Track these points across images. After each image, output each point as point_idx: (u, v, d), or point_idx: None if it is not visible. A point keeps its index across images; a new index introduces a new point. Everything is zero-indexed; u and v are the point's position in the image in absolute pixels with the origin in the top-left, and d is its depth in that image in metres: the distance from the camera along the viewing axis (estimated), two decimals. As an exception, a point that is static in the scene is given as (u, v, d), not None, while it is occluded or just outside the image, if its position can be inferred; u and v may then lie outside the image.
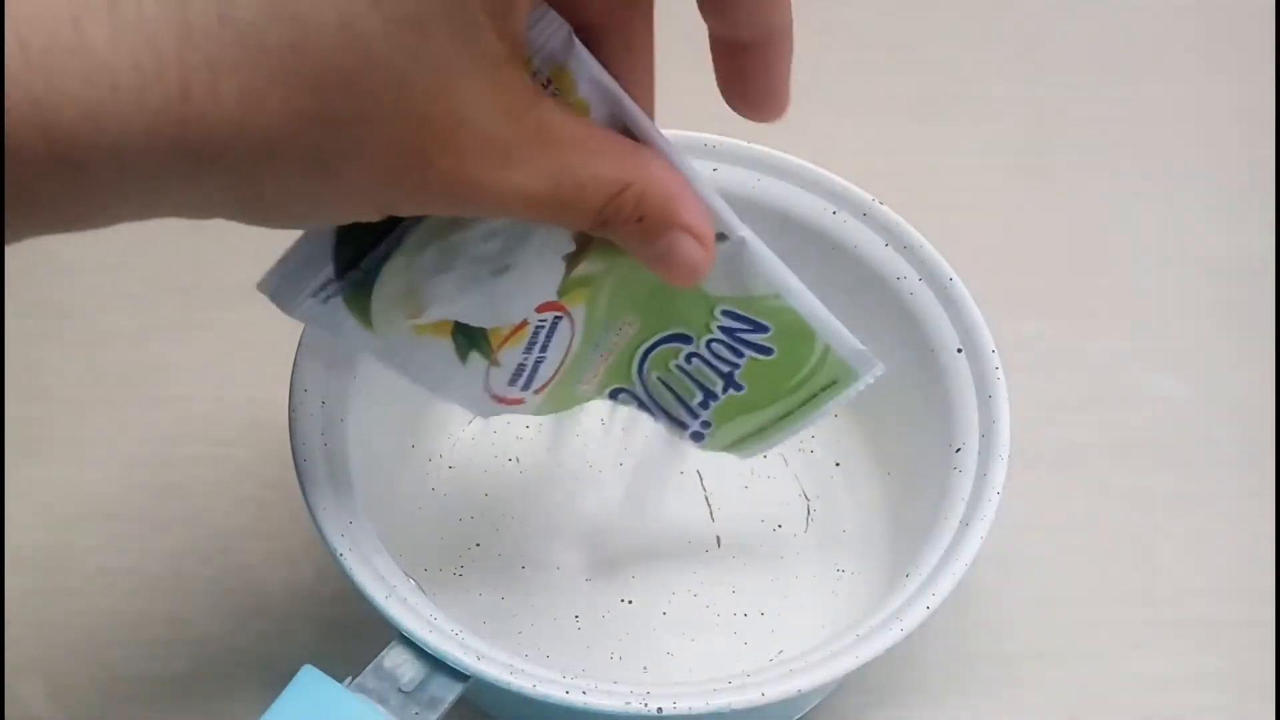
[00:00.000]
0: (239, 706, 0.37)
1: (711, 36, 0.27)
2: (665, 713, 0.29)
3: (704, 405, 0.34)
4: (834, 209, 0.38)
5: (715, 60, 0.27)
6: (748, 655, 0.37)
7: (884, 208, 0.38)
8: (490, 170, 0.23)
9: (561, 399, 0.34)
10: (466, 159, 0.23)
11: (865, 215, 0.38)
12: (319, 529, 0.31)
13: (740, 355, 0.33)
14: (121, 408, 0.43)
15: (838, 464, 0.41)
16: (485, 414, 0.32)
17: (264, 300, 0.42)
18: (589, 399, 0.35)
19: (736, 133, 0.37)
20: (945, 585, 0.32)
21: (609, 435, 0.37)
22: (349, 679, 0.30)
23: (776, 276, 0.31)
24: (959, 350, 0.36)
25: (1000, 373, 0.35)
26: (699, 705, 0.29)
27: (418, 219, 0.27)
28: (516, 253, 0.28)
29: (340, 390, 0.35)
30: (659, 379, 0.34)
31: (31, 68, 0.20)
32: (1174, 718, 0.39)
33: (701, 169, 0.35)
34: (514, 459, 0.41)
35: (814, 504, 0.41)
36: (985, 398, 0.35)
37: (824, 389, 0.33)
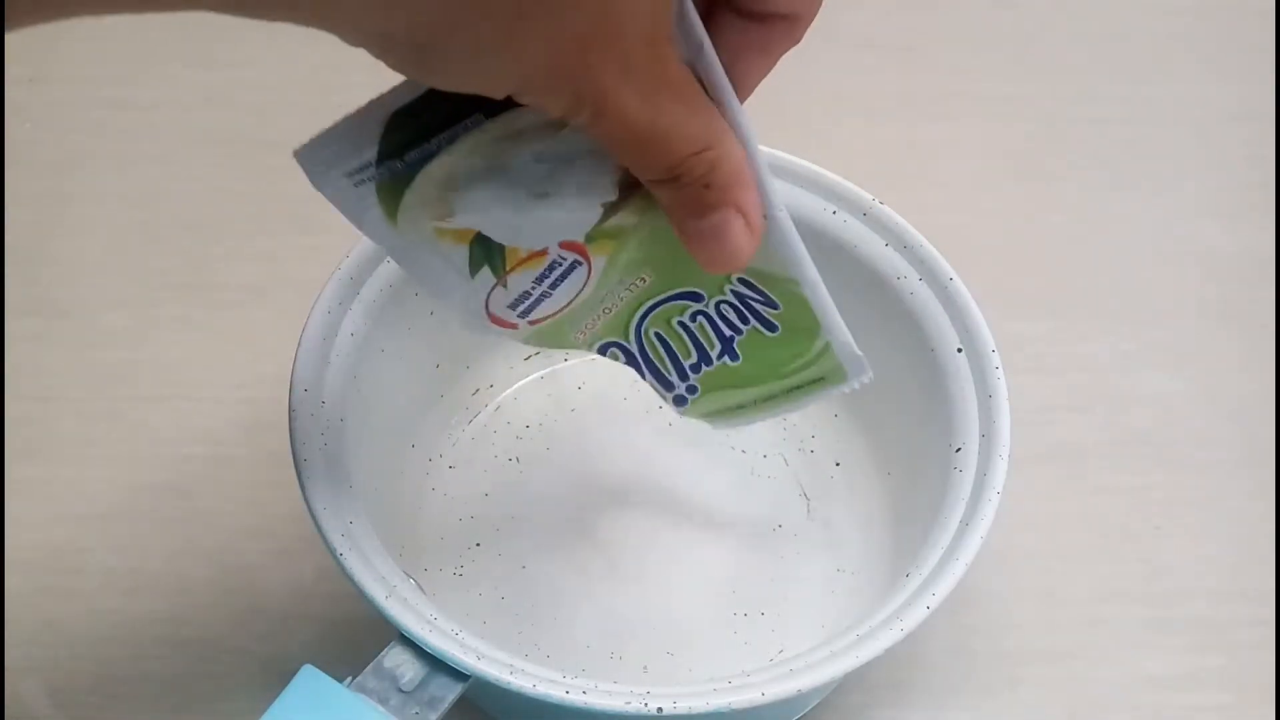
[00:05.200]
0: (239, 706, 0.37)
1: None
2: (665, 713, 0.29)
3: (695, 369, 0.34)
4: (834, 209, 0.38)
5: (721, 21, 0.26)
6: (748, 655, 0.37)
7: (884, 208, 0.38)
8: (618, 82, 0.23)
9: (552, 337, 0.34)
10: (609, 63, 0.23)
11: (865, 215, 0.38)
12: (319, 529, 0.31)
13: (746, 322, 0.33)
14: (121, 408, 0.43)
15: (838, 464, 0.41)
16: (477, 331, 0.32)
17: (263, 300, 0.41)
18: (578, 348, 0.35)
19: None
20: (945, 585, 0.32)
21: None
22: (349, 679, 0.30)
23: (798, 263, 0.30)
24: (959, 350, 0.36)
25: (1000, 373, 0.35)
26: (699, 705, 0.29)
27: (477, 124, 0.27)
28: (559, 182, 0.28)
29: (340, 390, 0.35)
30: (657, 335, 0.34)
31: None
32: (1174, 718, 0.39)
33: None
34: (514, 459, 0.41)
35: (814, 504, 0.41)
36: (985, 397, 0.35)
37: (812, 382, 0.34)
